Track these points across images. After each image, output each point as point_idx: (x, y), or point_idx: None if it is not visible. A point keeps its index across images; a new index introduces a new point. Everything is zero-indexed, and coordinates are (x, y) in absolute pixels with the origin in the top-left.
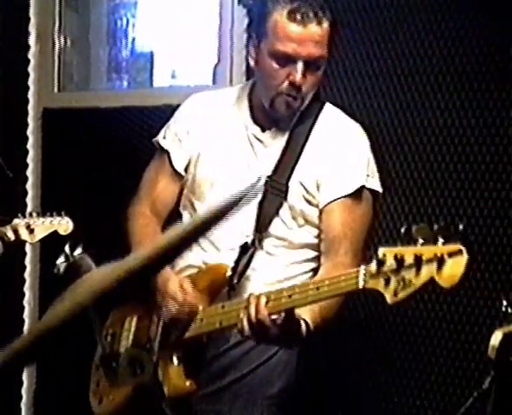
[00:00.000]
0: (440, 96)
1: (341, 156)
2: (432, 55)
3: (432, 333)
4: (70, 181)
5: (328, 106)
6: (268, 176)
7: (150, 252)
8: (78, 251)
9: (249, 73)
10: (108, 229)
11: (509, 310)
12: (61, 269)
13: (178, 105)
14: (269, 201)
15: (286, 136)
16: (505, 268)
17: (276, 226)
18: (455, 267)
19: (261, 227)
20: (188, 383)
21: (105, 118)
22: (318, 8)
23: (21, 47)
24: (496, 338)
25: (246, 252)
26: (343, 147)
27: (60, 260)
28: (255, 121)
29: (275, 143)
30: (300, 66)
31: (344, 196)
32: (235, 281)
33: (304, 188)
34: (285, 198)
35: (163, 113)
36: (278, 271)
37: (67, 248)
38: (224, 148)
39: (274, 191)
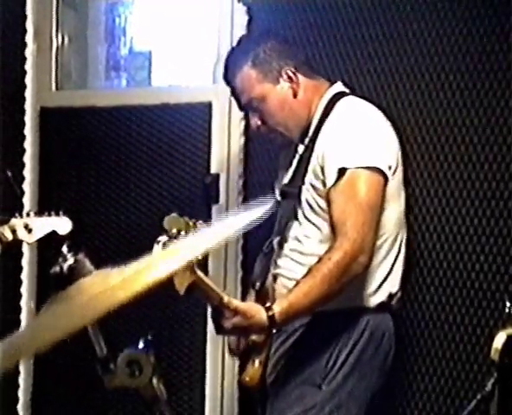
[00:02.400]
0: (442, 94)
1: (330, 146)
2: (434, 53)
3: (435, 335)
4: (68, 180)
5: (341, 102)
6: (284, 184)
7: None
8: (75, 251)
9: None
10: (106, 228)
11: None
12: (65, 268)
13: (177, 105)
14: (284, 206)
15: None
16: (508, 269)
17: (301, 225)
18: None
19: (278, 231)
20: (252, 381)
21: (103, 116)
22: (232, 68)
23: (18, 45)
24: (499, 340)
25: (266, 256)
26: (334, 137)
27: (60, 261)
28: (301, 135)
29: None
30: (250, 114)
31: (332, 185)
32: (258, 284)
33: (313, 187)
34: (299, 201)
35: (162, 112)
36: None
37: (64, 249)
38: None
39: (289, 197)
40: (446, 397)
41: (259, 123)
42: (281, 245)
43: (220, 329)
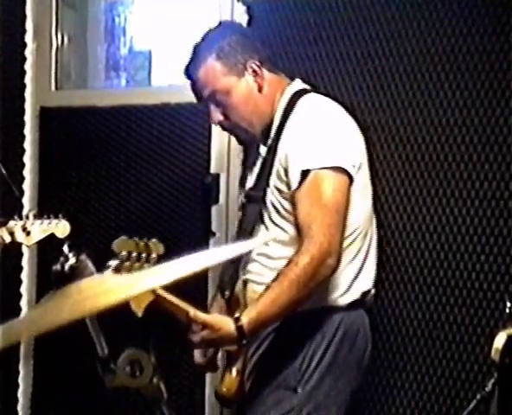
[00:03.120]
0: (443, 94)
1: (292, 148)
2: (434, 53)
3: (435, 335)
4: (67, 180)
5: (302, 100)
6: (249, 188)
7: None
8: (77, 251)
9: None
10: (105, 228)
11: None
12: (66, 268)
13: (177, 104)
14: (249, 210)
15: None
16: (509, 269)
17: (269, 229)
18: None
19: (242, 236)
20: (229, 391)
21: (102, 116)
22: (195, 60)
23: (17, 44)
24: (500, 340)
25: (232, 262)
26: (296, 138)
27: (61, 260)
28: (263, 135)
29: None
30: (211, 108)
31: (297, 187)
32: (227, 293)
33: (278, 189)
34: (264, 204)
35: (162, 112)
36: (274, 271)
37: (65, 248)
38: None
39: (254, 200)
40: (446, 397)
41: (222, 118)
42: (248, 252)
43: (189, 344)
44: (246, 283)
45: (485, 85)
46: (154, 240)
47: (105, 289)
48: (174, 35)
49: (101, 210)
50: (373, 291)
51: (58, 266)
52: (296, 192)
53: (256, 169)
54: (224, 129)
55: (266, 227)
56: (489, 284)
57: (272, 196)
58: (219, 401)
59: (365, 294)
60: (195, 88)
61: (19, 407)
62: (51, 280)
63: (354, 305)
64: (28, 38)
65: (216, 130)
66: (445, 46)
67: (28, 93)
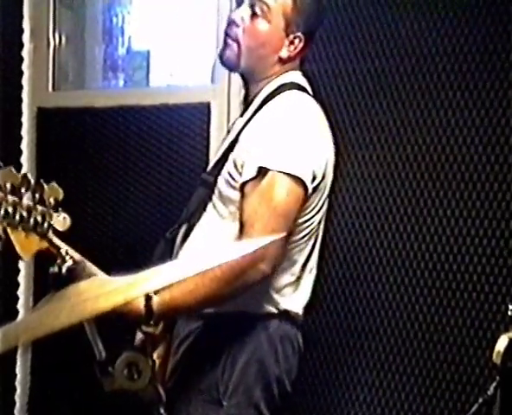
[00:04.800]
0: (443, 94)
1: (257, 140)
2: (434, 53)
3: (437, 338)
4: (65, 181)
5: (285, 94)
6: (206, 172)
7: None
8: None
9: None
10: (104, 230)
11: None
12: (64, 270)
13: (175, 105)
14: (197, 194)
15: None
16: (511, 272)
17: (208, 216)
18: None
19: (185, 220)
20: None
21: (100, 117)
22: None
23: (15, 45)
24: (502, 343)
25: (167, 242)
26: (261, 131)
27: (58, 262)
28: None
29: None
30: (243, 5)
31: (249, 180)
32: None
33: (230, 175)
34: (212, 189)
35: (160, 113)
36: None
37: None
38: None
39: (205, 185)
40: (448, 400)
41: (240, 24)
42: (186, 236)
43: None
44: None
45: (485, 85)
46: (52, 184)
47: (105, 291)
48: (172, 35)
49: (99, 211)
50: (300, 313)
51: (55, 268)
52: (247, 184)
53: (219, 153)
54: (226, 33)
55: (208, 214)
56: (490, 287)
57: (221, 183)
58: None
59: (290, 313)
60: None
61: (16, 411)
62: (49, 282)
63: (277, 316)
64: (26, 38)
65: (215, 131)
66: (445, 46)
67: (25, 94)
